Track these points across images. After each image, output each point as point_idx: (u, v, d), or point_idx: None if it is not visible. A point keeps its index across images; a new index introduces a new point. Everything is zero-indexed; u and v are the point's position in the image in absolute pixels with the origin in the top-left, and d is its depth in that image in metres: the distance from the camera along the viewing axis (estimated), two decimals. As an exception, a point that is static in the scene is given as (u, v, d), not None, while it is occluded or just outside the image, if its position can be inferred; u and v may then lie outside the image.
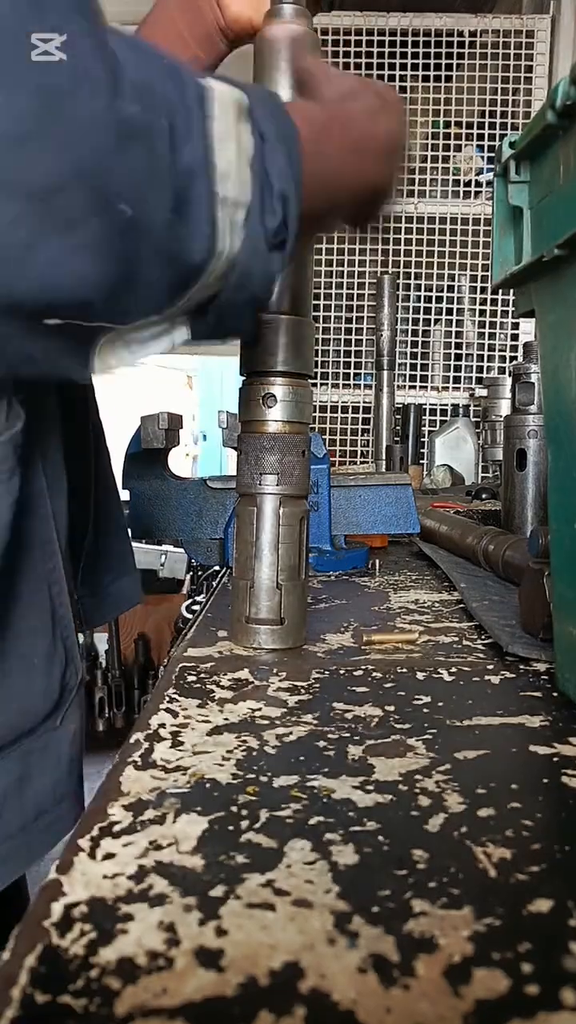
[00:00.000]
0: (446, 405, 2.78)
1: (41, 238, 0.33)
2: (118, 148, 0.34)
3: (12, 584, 0.49)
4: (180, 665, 0.54)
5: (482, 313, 2.80)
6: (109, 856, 0.29)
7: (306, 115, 0.46)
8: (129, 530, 0.94)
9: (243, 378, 0.59)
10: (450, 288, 2.79)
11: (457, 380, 2.85)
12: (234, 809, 0.33)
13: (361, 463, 2.48)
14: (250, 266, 0.41)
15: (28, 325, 0.36)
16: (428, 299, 2.79)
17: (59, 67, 0.32)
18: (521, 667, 0.55)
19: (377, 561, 0.96)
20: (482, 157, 2.72)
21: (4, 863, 0.49)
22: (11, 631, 0.49)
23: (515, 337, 2.78)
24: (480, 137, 2.72)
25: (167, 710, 0.45)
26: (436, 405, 2.79)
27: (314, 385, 2.76)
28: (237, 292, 0.42)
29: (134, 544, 0.77)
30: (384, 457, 1.94)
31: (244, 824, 0.32)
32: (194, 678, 0.51)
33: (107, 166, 0.34)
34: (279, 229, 0.42)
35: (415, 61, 2.67)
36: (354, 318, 2.80)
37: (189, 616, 2.63)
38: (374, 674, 0.53)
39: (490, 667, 0.55)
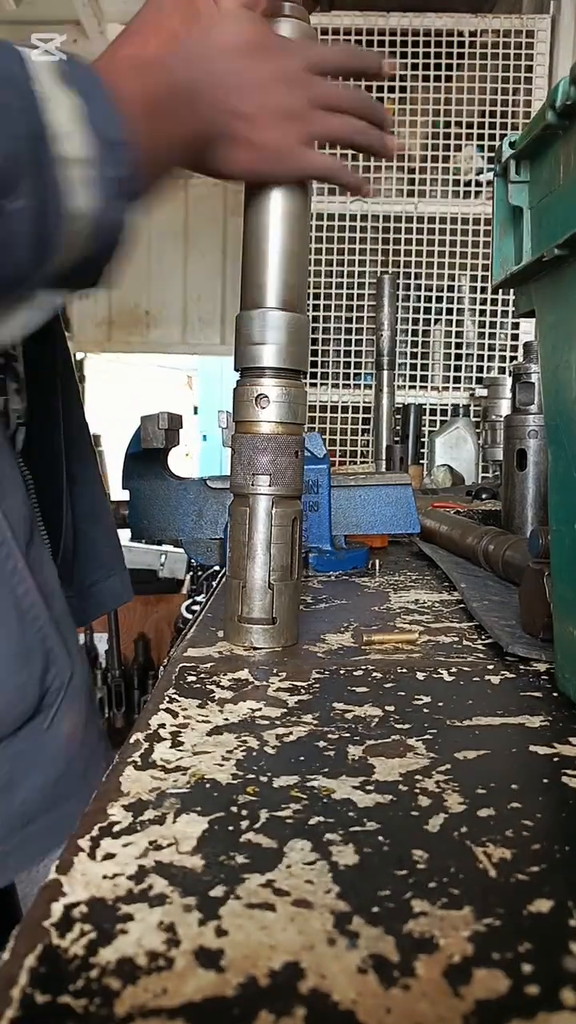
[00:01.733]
0: (446, 405, 2.78)
1: None
2: None
3: None
4: (180, 665, 0.54)
5: (482, 313, 2.80)
6: (109, 856, 0.29)
7: (123, 66, 0.47)
8: (129, 530, 0.94)
9: (240, 373, 0.59)
10: (450, 288, 2.79)
11: (457, 380, 2.85)
12: (234, 809, 0.33)
13: (361, 463, 2.48)
14: (107, 216, 0.42)
15: None
16: (428, 299, 2.79)
17: None
18: (521, 667, 0.55)
19: (377, 561, 0.96)
20: (482, 157, 2.72)
21: None
22: None
23: (515, 337, 2.78)
24: (480, 137, 2.72)
25: (167, 710, 0.45)
26: (436, 405, 2.79)
27: (314, 385, 2.77)
28: (102, 248, 0.43)
29: (134, 544, 0.76)
30: (384, 457, 1.94)
31: (244, 824, 0.32)
32: (194, 678, 0.51)
33: None
34: (127, 179, 0.42)
35: (415, 61, 2.67)
36: (354, 318, 2.80)
37: (189, 616, 2.63)
38: (374, 674, 0.53)
39: (490, 667, 0.55)
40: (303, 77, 0.53)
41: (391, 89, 2.70)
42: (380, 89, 2.68)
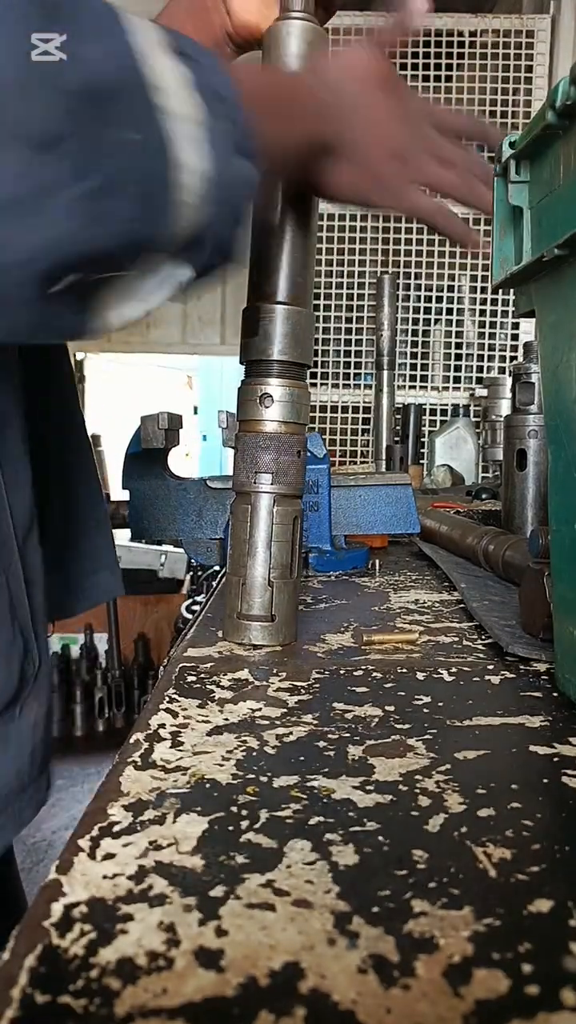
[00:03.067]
0: (446, 405, 2.78)
1: (51, 188, 0.34)
2: (96, 89, 0.35)
3: None
4: (180, 665, 0.54)
5: (482, 313, 2.80)
6: (109, 856, 0.29)
7: (245, 68, 0.49)
8: (129, 530, 0.94)
9: (243, 376, 0.59)
10: (450, 288, 2.79)
11: (457, 380, 2.85)
12: (234, 809, 0.33)
13: (361, 463, 2.48)
14: (228, 179, 0.41)
15: (43, 285, 0.36)
16: (428, 299, 2.79)
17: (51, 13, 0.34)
18: (521, 667, 0.55)
19: (377, 561, 0.96)
20: (482, 157, 2.72)
21: None
22: None
23: (515, 337, 2.78)
24: (480, 137, 2.71)
25: (167, 710, 0.45)
26: (436, 405, 2.80)
27: (314, 385, 2.78)
28: (224, 210, 0.42)
29: (134, 544, 0.76)
30: (384, 457, 1.94)
31: (244, 824, 0.32)
32: (194, 678, 0.51)
33: (96, 106, 0.34)
34: (242, 138, 0.42)
35: (415, 61, 2.67)
36: (354, 318, 2.81)
37: (189, 616, 2.64)
38: (374, 674, 0.53)
39: (490, 667, 0.55)
40: (423, 125, 0.56)
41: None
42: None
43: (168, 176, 0.38)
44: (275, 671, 0.53)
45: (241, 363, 0.59)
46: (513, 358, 2.77)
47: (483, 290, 2.78)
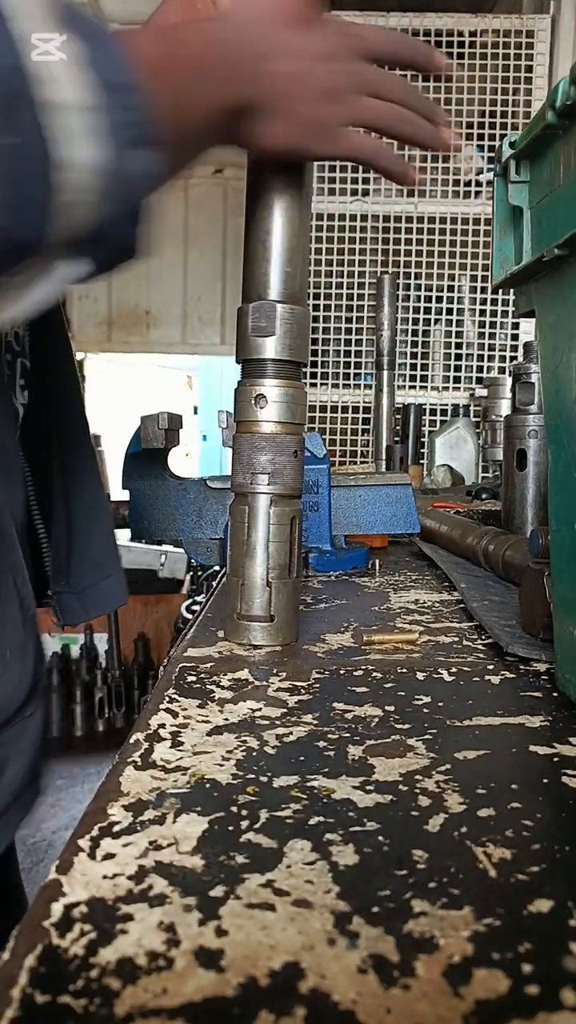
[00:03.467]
0: (446, 405, 2.78)
1: None
2: None
3: None
4: (180, 665, 0.54)
5: (482, 313, 2.80)
6: (109, 856, 0.29)
7: (145, 30, 0.44)
8: (129, 530, 0.94)
9: (239, 376, 0.59)
10: (450, 288, 2.79)
11: (457, 380, 2.85)
12: (234, 809, 0.33)
13: (361, 463, 2.48)
14: (121, 170, 0.38)
15: None
16: (428, 299, 2.79)
17: None
18: (521, 667, 0.55)
19: (377, 561, 0.96)
20: (482, 157, 2.72)
21: None
22: None
23: (515, 337, 2.78)
24: (480, 137, 2.72)
25: (167, 710, 0.45)
26: (436, 405, 2.79)
27: (314, 385, 2.77)
28: (117, 202, 0.39)
29: (134, 544, 0.76)
30: (384, 457, 1.94)
31: (244, 824, 0.32)
32: (194, 678, 0.51)
33: None
34: (140, 125, 0.39)
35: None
36: (354, 318, 2.80)
37: (189, 616, 2.63)
38: (374, 674, 0.53)
39: (490, 667, 0.55)
40: (350, 59, 0.51)
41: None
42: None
43: (49, 178, 0.36)
44: (275, 671, 0.53)
45: (237, 362, 0.59)
46: (513, 358, 2.76)
47: (483, 290, 2.78)
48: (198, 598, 2.97)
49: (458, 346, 2.86)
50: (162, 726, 0.42)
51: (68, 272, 0.40)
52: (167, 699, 0.47)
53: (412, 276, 2.76)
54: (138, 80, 0.39)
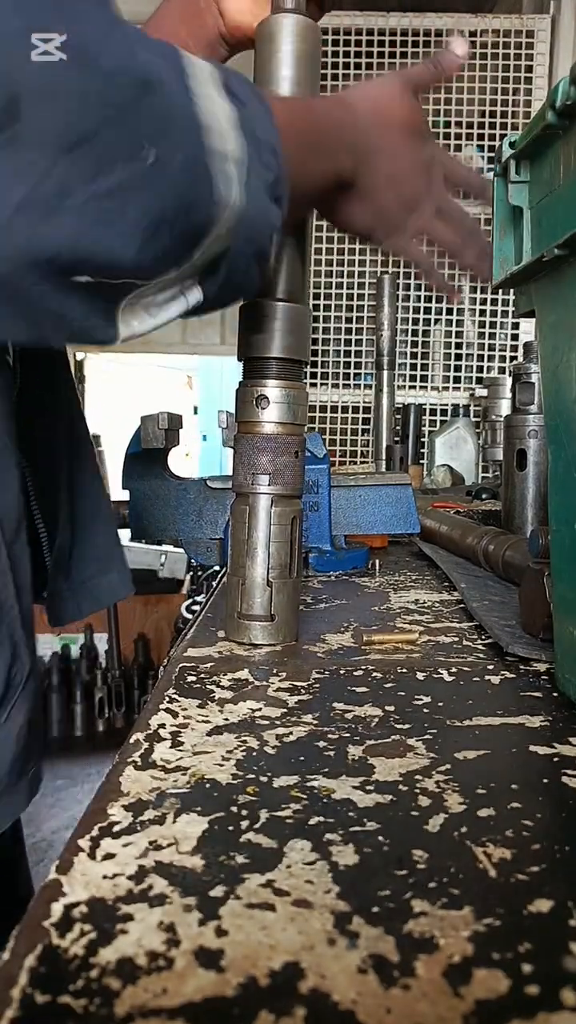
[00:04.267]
0: (446, 405, 2.78)
1: (72, 188, 0.35)
2: (139, 95, 0.37)
3: None
4: (180, 665, 0.54)
5: (482, 313, 2.80)
6: (109, 856, 0.29)
7: (282, 102, 0.51)
8: (129, 530, 0.94)
9: (241, 375, 0.60)
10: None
11: (457, 380, 2.85)
12: (234, 809, 0.33)
13: (361, 463, 2.48)
14: (254, 218, 0.44)
15: (60, 282, 0.37)
16: (428, 299, 2.79)
17: (85, 25, 0.36)
18: (521, 667, 0.55)
19: (377, 561, 0.96)
20: (482, 157, 2.72)
21: None
22: None
23: (515, 337, 2.78)
24: (480, 137, 2.72)
25: (167, 710, 0.45)
26: (436, 405, 2.79)
27: (314, 385, 2.77)
28: (245, 245, 0.44)
29: (134, 544, 0.76)
30: (384, 457, 1.94)
31: (244, 824, 0.32)
32: (194, 678, 0.51)
33: (132, 111, 0.37)
34: (275, 182, 0.44)
35: (415, 61, 2.67)
36: (354, 318, 2.81)
37: (189, 616, 2.63)
38: (374, 674, 0.53)
39: (490, 667, 0.55)
40: (436, 176, 0.60)
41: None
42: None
43: (209, 212, 0.41)
44: (275, 671, 0.53)
45: (239, 360, 0.59)
46: (513, 358, 2.77)
47: (483, 290, 2.78)
48: (198, 598, 2.97)
49: (458, 346, 2.86)
50: (162, 726, 0.42)
51: (185, 297, 0.45)
52: (167, 699, 0.47)
53: (412, 276, 2.76)
54: (278, 143, 0.45)
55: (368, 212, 0.58)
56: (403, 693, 0.49)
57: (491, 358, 2.81)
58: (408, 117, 0.59)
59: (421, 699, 0.47)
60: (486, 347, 2.81)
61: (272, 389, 0.58)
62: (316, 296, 2.76)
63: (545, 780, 0.37)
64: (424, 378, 2.85)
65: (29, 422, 0.62)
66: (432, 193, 0.61)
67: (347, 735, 0.42)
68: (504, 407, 2.25)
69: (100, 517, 0.69)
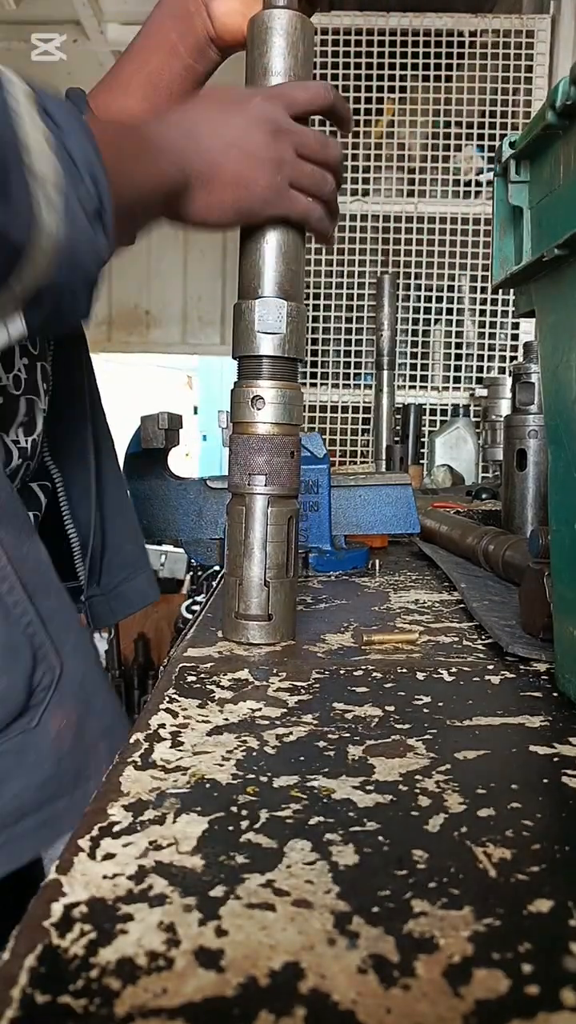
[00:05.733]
0: (446, 405, 2.78)
1: None
2: None
3: None
4: (180, 665, 0.54)
5: (482, 313, 2.80)
6: (109, 856, 0.29)
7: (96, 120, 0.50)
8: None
9: (236, 375, 0.60)
10: (450, 288, 2.79)
11: (457, 380, 2.85)
12: (234, 809, 0.33)
13: (361, 463, 2.48)
14: (76, 243, 0.42)
15: None
16: (428, 299, 2.79)
17: None
18: (521, 667, 0.55)
19: (377, 561, 0.96)
20: (482, 157, 2.72)
21: None
22: None
23: (515, 337, 2.78)
24: (480, 137, 2.72)
25: (167, 710, 0.45)
26: (436, 405, 2.79)
27: (314, 385, 2.77)
28: (70, 275, 0.43)
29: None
30: (384, 457, 1.94)
31: (244, 824, 0.32)
32: (194, 678, 0.51)
33: None
34: (96, 206, 0.43)
35: (415, 61, 2.67)
36: (354, 318, 2.80)
37: (189, 616, 2.64)
38: (374, 674, 0.53)
39: (490, 667, 0.55)
40: (287, 124, 0.56)
41: (391, 89, 2.70)
42: (381, 90, 2.69)
43: (30, 235, 0.39)
44: (275, 671, 0.53)
45: (234, 358, 0.59)
46: (513, 358, 2.77)
47: (483, 290, 2.78)
48: (198, 598, 2.97)
49: (458, 346, 2.86)
50: (162, 726, 0.42)
51: (14, 330, 0.43)
52: (167, 699, 0.47)
53: (412, 276, 2.77)
54: (98, 165, 0.43)
55: (220, 198, 0.54)
56: (403, 693, 0.49)
57: (491, 358, 2.81)
58: (217, 94, 0.56)
59: (421, 699, 0.47)
60: (486, 347, 2.81)
61: (268, 390, 0.57)
62: (316, 296, 2.77)
63: (545, 780, 0.37)
64: (424, 378, 2.85)
65: (58, 430, 0.62)
66: (293, 140, 0.56)
67: (347, 735, 0.42)
68: (504, 407, 2.25)
69: (126, 518, 0.70)
